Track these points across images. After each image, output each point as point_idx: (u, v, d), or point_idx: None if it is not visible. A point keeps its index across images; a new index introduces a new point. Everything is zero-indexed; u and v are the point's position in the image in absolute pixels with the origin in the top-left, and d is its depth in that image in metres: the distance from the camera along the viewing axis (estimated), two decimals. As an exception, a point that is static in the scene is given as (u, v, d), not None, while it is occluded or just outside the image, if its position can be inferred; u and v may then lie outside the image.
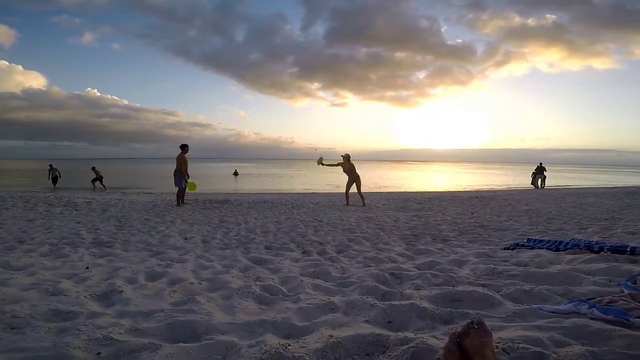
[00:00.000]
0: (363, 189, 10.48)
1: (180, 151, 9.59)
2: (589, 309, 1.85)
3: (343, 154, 10.05)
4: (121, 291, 2.52)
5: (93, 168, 19.13)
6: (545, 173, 20.38)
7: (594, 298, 2.03)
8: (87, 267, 3.32)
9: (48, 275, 3.01)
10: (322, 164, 10.20)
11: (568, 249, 3.60)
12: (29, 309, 2.12)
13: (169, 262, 3.64)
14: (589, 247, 3.48)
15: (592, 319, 1.79)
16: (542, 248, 3.80)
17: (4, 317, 2.00)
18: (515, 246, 4.06)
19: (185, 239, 5.10)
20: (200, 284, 2.79)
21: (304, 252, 4.18)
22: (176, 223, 6.62)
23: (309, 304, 2.30)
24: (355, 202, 10.33)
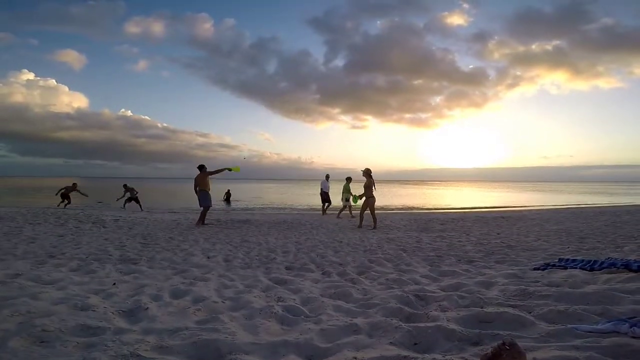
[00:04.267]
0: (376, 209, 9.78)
1: (198, 172, 9.70)
2: (630, 327, 1.74)
3: (363, 169, 9.40)
4: (147, 308, 2.57)
5: (125, 185, 16.68)
6: None
7: (634, 317, 1.91)
8: (114, 284, 3.40)
9: (77, 290, 3.10)
10: (356, 200, 10.17)
11: (604, 268, 3.41)
12: (58, 323, 2.18)
13: (192, 280, 3.68)
14: (627, 266, 3.28)
15: (633, 337, 1.68)
16: (576, 268, 3.62)
17: (34, 330, 2.07)
18: (546, 266, 3.88)
19: (208, 257, 5.16)
20: (224, 302, 2.81)
21: (324, 273, 4.14)
22: (199, 242, 6.72)
23: (331, 325, 2.26)
24: (366, 222, 9.63)
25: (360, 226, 9.46)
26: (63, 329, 2.12)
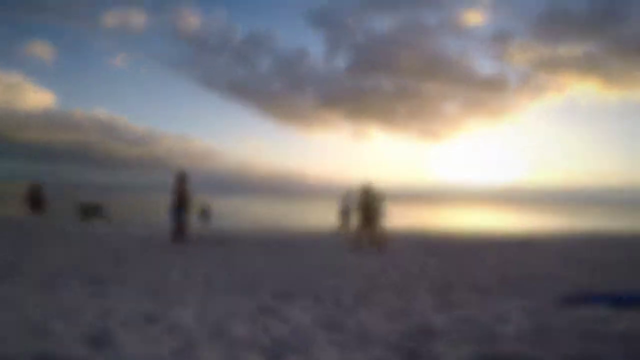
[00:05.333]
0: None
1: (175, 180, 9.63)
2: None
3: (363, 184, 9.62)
4: (115, 334, 2.55)
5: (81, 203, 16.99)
6: None
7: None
8: (80, 306, 3.38)
9: (36, 312, 3.07)
10: None
11: (632, 304, 3.43)
12: (14, 350, 2.16)
13: (168, 303, 3.66)
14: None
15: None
16: (601, 302, 3.63)
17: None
18: (569, 300, 3.89)
19: (187, 278, 5.13)
20: (202, 330, 2.79)
21: (316, 300, 4.13)
22: (177, 261, 6.69)
23: (323, 360, 2.26)
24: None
25: (361, 247, 9.43)
26: (20, 358, 2.10)
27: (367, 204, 9.44)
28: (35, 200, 15.64)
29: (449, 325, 3.01)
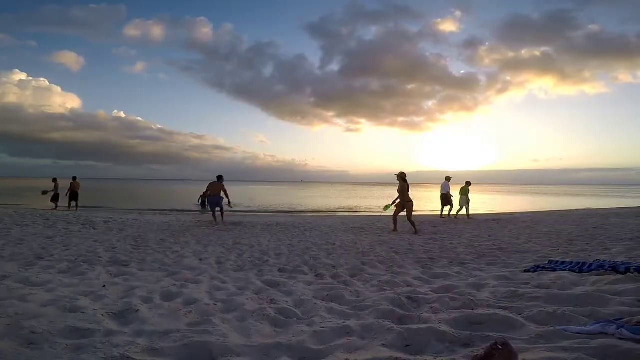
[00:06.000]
0: (402, 214, 9.18)
1: (217, 181, 10.48)
2: (617, 329, 1.77)
3: (397, 173, 9.14)
4: (137, 310, 2.54)
5: (54, 180, 15.31)
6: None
7: (622, 318, 1.95)
8: (104, 286, 3.36)
9: (66, 292, 3.06)
10: (387, 208, 9.58)
11: (592, 270, 3.47)
12: (47, 325, 2.15)
13: (184, 282, 3.66)
14: (615, 268, 3.35)
15: (620, 339, 1.71)
16: (565, 270, 3.67)
17: (23, 332, 2.04)
18: (536, 268, 3.93)
19: (200, 260, 5.12)
20: (215, 305, 2.79)
21: (317, 275, 4.14)
22: (191, 244, 6.67)
23: (324, 327, 2.27)
24: (404, 228, 9.24)
25: (395, 230, 9.06)
26: (52, 331, 2.09)
27: (403, 190, 9.04)
28: (74, 194, 14.77)
29: (433, 294, 3.03)
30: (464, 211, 13.16)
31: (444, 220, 12.14)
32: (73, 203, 14.80)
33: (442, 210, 13.32)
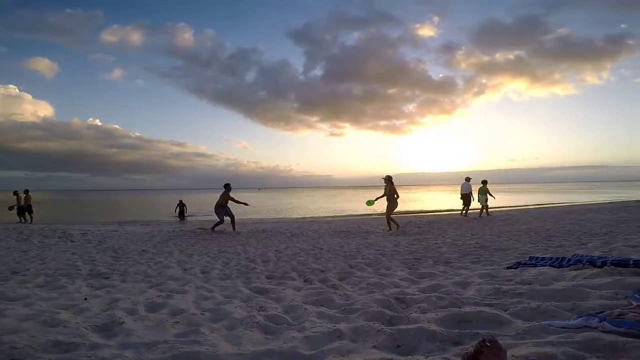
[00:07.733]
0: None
1: (224, 190, 10.80)
2: (600, 322, 1.84)
3: (383, 177, 9.77)
4: (122, 322, 2.46)
5: (15, 192, 15.16)
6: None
7: (603, 312, 2.03)
8: (86, 299, 3.25)
9: (45, 306, 2.94)
10: (371, 203, 10.26)
11: (571, 265, 3.59)
12: (28, 340, 2.06)
13: (169, 293, 3.57)
14: (592, 262, 3.47)
15: (603, 332, 1.78)
16: (545, 265, 3.79)
17: (3, 347, 1.95)
18: (518, 265, 4.04)
19: (185, 269, 5.02)
20: (203, 314, 2.74)
21: (305, 281, 4.13)
22: (174, 254, 6.53)
23: (314, 332, 2.26)
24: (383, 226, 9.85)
25: (390, 230, 9.75)
26: (34, 346, 2.01)
27: (391, 192, 9.76)
28: (27, 207, 14.84)
29: (420, 294, 3.07)
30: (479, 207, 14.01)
31: (466, 219, 13.02)
32: (27, 216, 14.82)
33: (463, 209, 14.23)
